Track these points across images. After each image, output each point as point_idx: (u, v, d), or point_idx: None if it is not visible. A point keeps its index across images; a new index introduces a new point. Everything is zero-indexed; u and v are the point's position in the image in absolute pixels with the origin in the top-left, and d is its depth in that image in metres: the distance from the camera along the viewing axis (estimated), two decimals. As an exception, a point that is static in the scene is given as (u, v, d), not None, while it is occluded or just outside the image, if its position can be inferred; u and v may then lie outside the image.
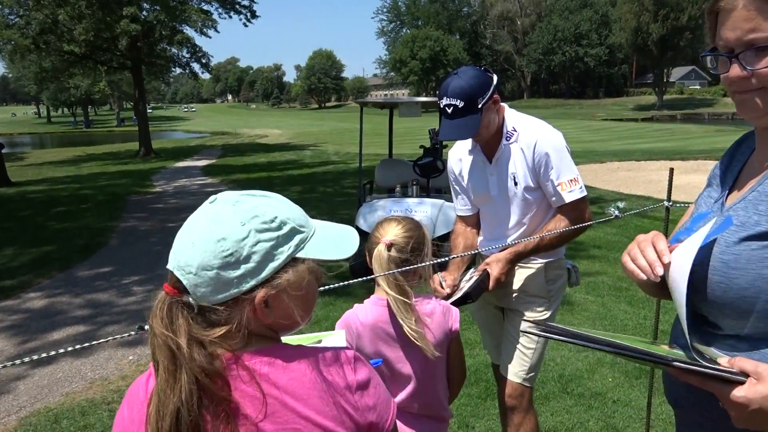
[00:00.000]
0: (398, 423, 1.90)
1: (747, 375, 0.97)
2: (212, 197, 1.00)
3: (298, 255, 0.98)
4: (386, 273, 1.77)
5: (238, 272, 0.92)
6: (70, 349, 1.58)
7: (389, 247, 1.79)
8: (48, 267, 7.33)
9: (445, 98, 2.28)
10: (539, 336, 1.17)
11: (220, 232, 0.93)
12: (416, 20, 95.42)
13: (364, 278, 2.08)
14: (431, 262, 1.88)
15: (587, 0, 78.14)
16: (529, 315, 2.44)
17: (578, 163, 2.43)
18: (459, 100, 2.24)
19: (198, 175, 18.23)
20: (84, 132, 64.15)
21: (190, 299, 0.93)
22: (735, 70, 1.07)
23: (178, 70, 30.79)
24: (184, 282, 0.93)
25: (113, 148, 32.55)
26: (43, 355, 1.47)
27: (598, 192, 11.37)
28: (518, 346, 2.44)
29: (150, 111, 50.13)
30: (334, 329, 1.89)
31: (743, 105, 1.10)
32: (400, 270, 1.77)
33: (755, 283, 1.04)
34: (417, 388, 1.90)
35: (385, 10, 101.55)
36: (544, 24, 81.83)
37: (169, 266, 0.96)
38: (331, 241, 1.04)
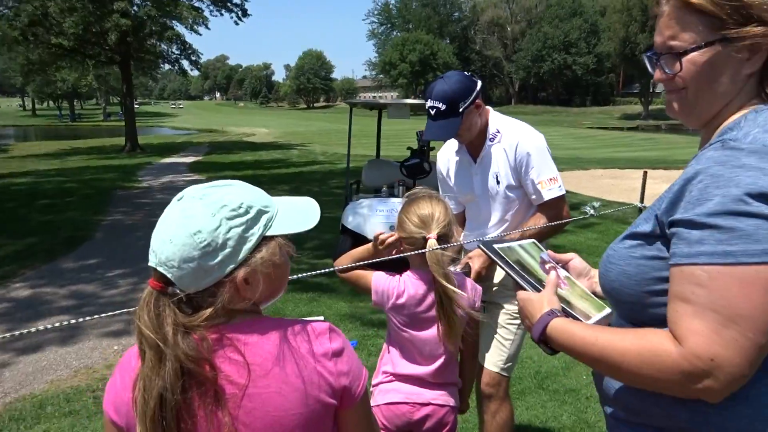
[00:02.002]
0: (419, 389, 2.04)
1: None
2: (179, 195, 1.09)
3: (268, 233, 1.08)
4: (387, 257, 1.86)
5: (217, 259, 1.02)
6: (57, 324, 1.65)
7: (439, 239, 1.92)
8: (32, 258, 7.33)
9: (429, 100, 2.44)
10: (483, 251, 1.49)
11: (194, 226, 1.02)
12: (407, 23, 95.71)
13: (341, 268, 2.16)
14: (399, 255, 1.99)
15: (577, 9, 78.86)
16: (508, 307, 2.55)
17: (563, 170, 2.54)
18: (441, 103, 2.39)
19: (185, 171, 18.19)
20: (69, 126, 63.52)
21: (177, 290, 1.03)
22: (657, 73, 1.18)
23: (167, 67, 30.71)
24: (169, 276, 1.02)
25: (99, 143, 32.31)
26: (32, 329, 1.54)
27: (580, 198, 11.55)
28: (497, 337, 2.55)
29: (137, 106, 49.79)
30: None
31: (667, 105, 1.22)
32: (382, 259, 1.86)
33: (619, 277, 1.15)
34: (444, 362, 2.03)
35: (376, 12, 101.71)
36: (534, 31, 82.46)
37: (150, 264, 1.05)
38: (294, 215, 1.15)
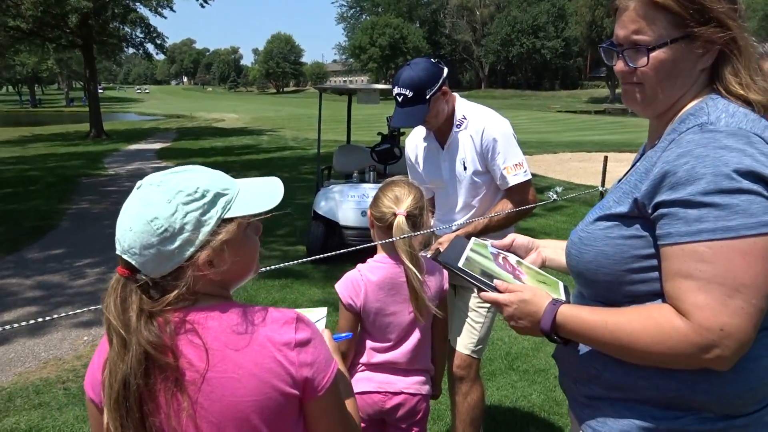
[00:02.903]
0: (391, 377, 2.04)
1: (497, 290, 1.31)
2: (138, 183, 1.11)
3: (227, 216, 1.09)
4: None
5: (176, 244, 1.04)
6: (32, 321, 1.64)
7: (407, 218, 1.93)
8: (-4, 248, 7.16)
9: (396, 87, 2.47)
10: (439, 263, 1.45)
11: (151, 213, 1.04)
12: (376, 7, 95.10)
13: (319, 257, 2.18)
14: (379, 242, 2.01)
15: (545, -8, 79.39)
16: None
17: (532, 154, 2.61)
18: (408, 90, 2.42)
19: (152, 158, 17.87)
20: (30, 111, 61.83)
21: (143, 276, 1.06)
22: (620, 65, 1.23)
23: (131, 51, 30.00)
24: (133, 263, 1.05)
25: (62, 129, 31.49)
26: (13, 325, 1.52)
27: (548, 181, 11.71)
28: (467, 320, 2.60)
29: (101, 91, 48.59)
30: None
31: (626, 95, 1.26)
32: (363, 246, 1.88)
33: (597, 258, 1.20)
34: (417, 342, 2.05)
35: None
36: (502, 15, 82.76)
37: (117, 252, 1.08)
38: (256, 196, 1.15)
